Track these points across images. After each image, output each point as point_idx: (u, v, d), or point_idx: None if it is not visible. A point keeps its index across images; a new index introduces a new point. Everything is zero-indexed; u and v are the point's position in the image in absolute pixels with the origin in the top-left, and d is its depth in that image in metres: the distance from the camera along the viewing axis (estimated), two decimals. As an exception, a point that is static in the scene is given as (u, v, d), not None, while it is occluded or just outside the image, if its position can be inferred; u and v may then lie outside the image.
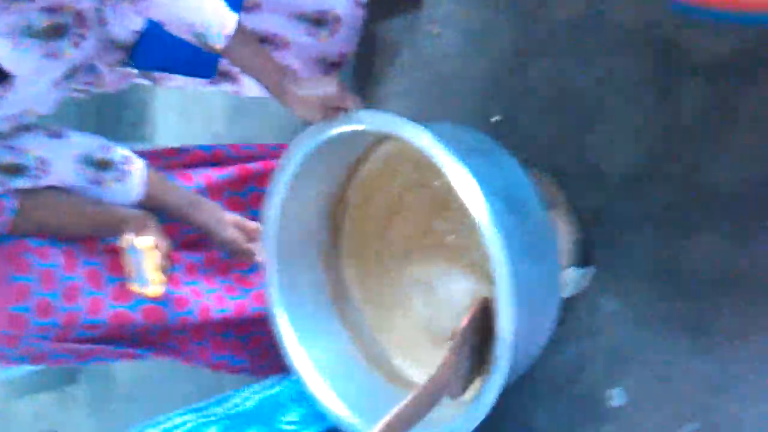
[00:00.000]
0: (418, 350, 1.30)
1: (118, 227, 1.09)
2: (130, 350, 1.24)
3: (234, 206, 1.31)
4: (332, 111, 1.02)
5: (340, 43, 1.53)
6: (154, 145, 2.37)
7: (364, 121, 1.00)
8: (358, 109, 1.02)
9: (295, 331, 1.20)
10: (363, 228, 1.29)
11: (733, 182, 1.21)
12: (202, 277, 1.28)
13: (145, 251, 1.00)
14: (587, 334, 1.35)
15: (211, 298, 1.26)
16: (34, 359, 1.16)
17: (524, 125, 1.48)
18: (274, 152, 1.42)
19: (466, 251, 1.21)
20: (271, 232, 1.18)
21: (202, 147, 1.40)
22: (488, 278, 1.17)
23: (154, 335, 1.31)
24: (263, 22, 1.40)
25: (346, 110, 1.01)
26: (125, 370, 2.63)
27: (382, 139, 1.17)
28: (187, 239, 1.26)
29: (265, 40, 1.43)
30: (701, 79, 1.25)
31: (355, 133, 1.02)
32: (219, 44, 1.01)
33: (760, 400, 1.17)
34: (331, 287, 1.30)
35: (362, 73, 1.76)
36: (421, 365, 1.27)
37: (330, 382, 1.17)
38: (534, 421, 1.40)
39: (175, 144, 1.43)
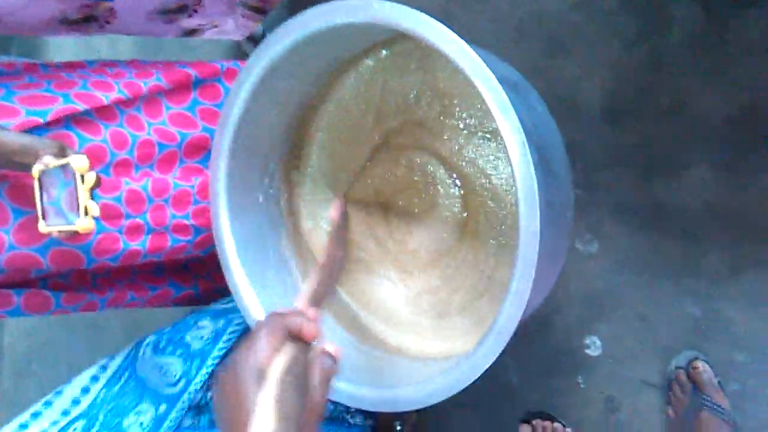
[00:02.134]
0: (376, 299, 1.15)
1: (22, 155, 0.84)
2: (34, 291, 1.00)
3: (180, 122, 1.09)
4: None
5: None
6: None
7: (376, 13, 0.80)
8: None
9: (251, 285, 1.01)
10: (332, 156, 1.11)
11: (723, 114, 1.14)
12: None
13: (80, 173, 0.78)
14: (562, 280, 1.26)
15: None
16: None
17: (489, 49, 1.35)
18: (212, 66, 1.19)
19: (449, 199, 1.06)
20: (224, 152, 0.98)
21: (112, 60, 1.15)
22: (470, 233, 1.04)
23: (66, 279, 1.07)
24: None
25: None
26: (17, 341, 2.32)
27: (373, 46, 1.00)
28: None
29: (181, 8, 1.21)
30: (694, 2, 1.16)
31: (349, 29, 0.83)
32: None
33: (750, 342, 1.12)
34: (289, 229, 1.12)
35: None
36: (376, 314, 1.13)
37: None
38: (506, 374, 1.29)
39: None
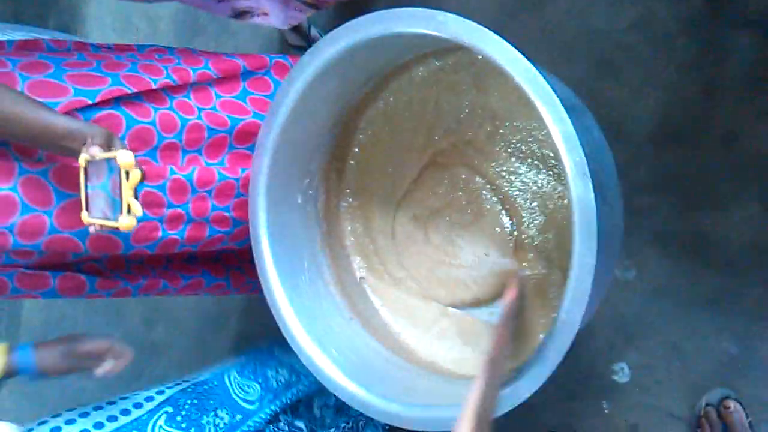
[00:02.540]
0: (410, 309, 1.14)
1: (69, 140, 0.83)
2: (69, 275, 1.00)
3: (231, 109, 1.08)
4: None
5: None
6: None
7: (440, 25, 0.78)
8: None
9: (282, 285, 1.00)
10: (376, 166, 1.10)
11: (776, 150, 1.11)
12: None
13: (125, 170, 0.77)
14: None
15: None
16: None
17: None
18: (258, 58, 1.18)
19: (494, 215, 1.04)
20: (268, 149, 0.97)
21: (160, 46, 1.14)
22: (519, 251, 1.02)
23: (101, 264, 1.07)
24: None
25: None
26: (34, 311, 2.34)
27: (421, 56, 0.98)
28: None
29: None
30: (753, 32, 1.13)
31: (407, 38, 0.81)
32: None
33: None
34: (325, 233, 1.11)
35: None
36: (410, 324, 1.11)
37: (317, 342, 0.99)
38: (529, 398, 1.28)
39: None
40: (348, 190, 1.13)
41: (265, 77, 1.15)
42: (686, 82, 1.18)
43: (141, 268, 1.14)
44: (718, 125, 1.15)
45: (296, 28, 1.56)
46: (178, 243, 1.04)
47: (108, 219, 0.79)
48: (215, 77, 1.08)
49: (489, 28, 0.76)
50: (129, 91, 0.97)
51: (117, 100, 0.95)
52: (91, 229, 0.83)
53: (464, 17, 0.77)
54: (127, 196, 0.77)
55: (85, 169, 0.81)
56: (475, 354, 1.03)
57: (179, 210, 1.02)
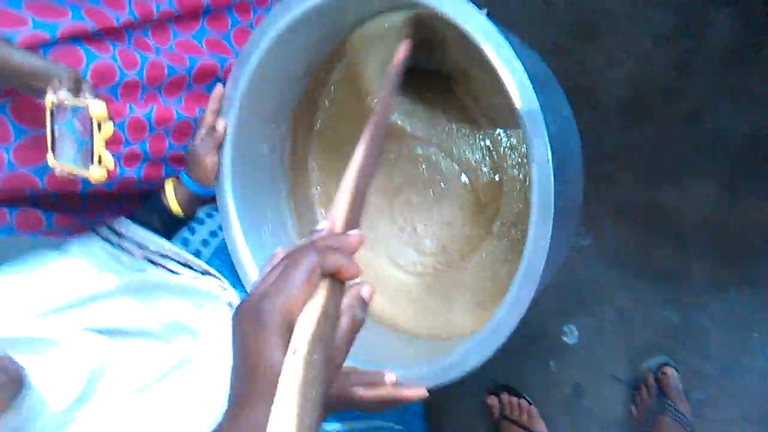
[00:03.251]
0: (374, 269, 1.16)
1: (32, 79, 0.80)
2: (26, 209, 0.98)
3: (187, 48, 1.05)
4: None
5: None
6: None
7: None
8: None
9: (245, 236, 1.00)
10: (338, 124, 1.09)
11: (740, 132, 1.13)
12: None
13: (97, 120, 0.74)
14: (550, 267, 1.27)
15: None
16: None
17: (510, 26, 1.31)
18: None
19: (459, 189, 1.05)
20: (236, 99, 0.95)
21: None
22: (484, 224, 1.03)
23: (57, 199, 1.05)
24: None
25: None
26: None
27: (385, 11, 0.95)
28: None
29: None
30: (733, 10, 1.12)
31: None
32: None
33: (721, 357, 1.15)
34: (290, 185, 1.10)
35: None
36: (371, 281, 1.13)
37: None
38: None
39: None
40: (315, 145, 1.12)
41: (225, 15, 1.12)
42: (660, 54, 1.18)
43: (96, 203, 1.13)
44: (686, 101, 1.16)
45: None
46: (135, 181, 1.03)
47: (78, 167, 0.77)
48: (176, 14, 1.05)
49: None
50: (89, 28, 0.93)
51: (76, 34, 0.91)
52: (57, 171, 0.81)
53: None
54: (99, 147, 0.74)
55: (52, 112, 0.79)
56: (435, 316, 1.05)
57: (136, 148, 1.00)
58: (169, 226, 1.00)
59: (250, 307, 0.41)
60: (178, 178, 0.98)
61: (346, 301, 0.46)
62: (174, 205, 0.98)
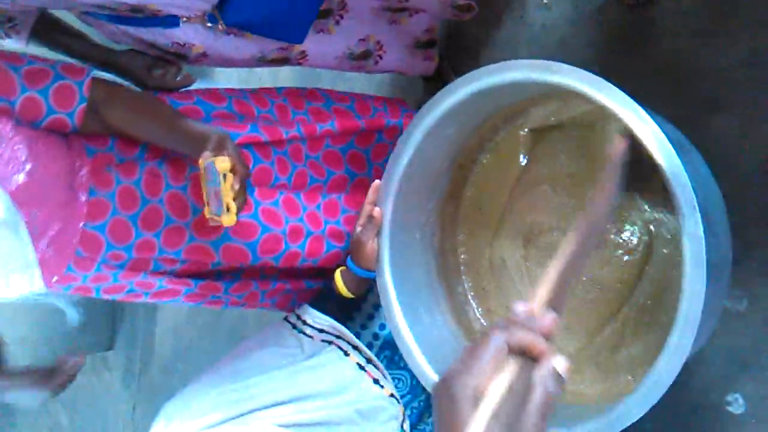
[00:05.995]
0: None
1: (196, 144, 0.97)
2: (211, 283, 1.13)
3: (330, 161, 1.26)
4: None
5: (422, 20, 1.39)
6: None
7: (555, 75, 0.84)
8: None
9: (405, 317, 1.09)
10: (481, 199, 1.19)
11: None
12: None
13: (222, 173, 0.89)
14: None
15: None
16: (105, 290, 1.06)
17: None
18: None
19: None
20: (392, 191, 1.07)
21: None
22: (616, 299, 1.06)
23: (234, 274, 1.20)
24: (353, 27, 1.30)
25: None
26: (166, 338, 2.55)
27: (535, 100, 1.06)
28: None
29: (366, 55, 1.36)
30: None
31: (513, 87, 0.91)
32: None
33: None
34: (440, 265, 1.20)
35: (456, 46, 1.65)
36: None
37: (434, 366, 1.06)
38: (641, 421, 1.30)
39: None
40: (462, 225, 1.22)
41: (374, 135, 1.29)
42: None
43: (268, 278, 1.26)
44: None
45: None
46: (300, 256, 1.17)
47: (216, 215, 0.93)
48: (335, 134, 1.23)
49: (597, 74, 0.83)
50: (263, 140, 1.14)
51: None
52: (210, 223, 0.96)
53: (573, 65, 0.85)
54: (227, 196, 0.89)
55: (204, 171, 0.94)
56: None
57: (298, 224, 1.16)
58: (342, 308, 1.12)
59: (443, 382, 0.47)
60: (345, 266, 1.10)
61: (539, 373, 0.47)
62: (343, 290, 1.09)
